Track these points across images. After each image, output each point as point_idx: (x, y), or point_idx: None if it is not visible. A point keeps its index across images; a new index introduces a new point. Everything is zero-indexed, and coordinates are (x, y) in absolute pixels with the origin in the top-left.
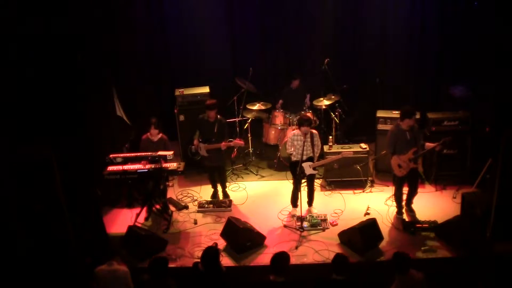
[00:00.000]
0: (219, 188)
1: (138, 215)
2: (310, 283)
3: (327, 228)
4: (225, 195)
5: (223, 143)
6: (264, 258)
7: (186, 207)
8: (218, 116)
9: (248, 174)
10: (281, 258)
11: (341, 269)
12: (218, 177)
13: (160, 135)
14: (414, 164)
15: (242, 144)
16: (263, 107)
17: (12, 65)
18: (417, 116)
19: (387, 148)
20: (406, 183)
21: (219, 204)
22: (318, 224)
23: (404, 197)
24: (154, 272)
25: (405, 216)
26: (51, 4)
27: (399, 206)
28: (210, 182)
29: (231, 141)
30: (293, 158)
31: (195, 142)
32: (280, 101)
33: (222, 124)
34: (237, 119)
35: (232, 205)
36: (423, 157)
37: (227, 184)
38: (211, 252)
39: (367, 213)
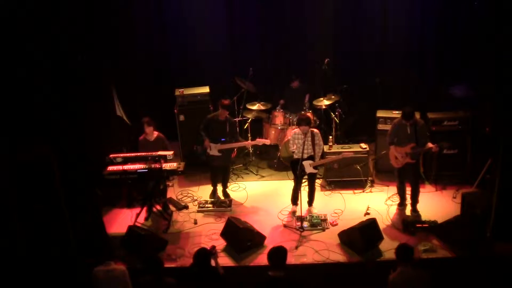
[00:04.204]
0: (219, 188)
1: (138, 215)
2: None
3: (327, 228)
4: (226, 195)
5: (248, 141)
6: (264, 258)
7: (186, 207)
8: (227, 115)
9: (248, 174)
10: (277, 252)
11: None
12: (222, 176)
13: (157, 134)
14: (411, 159)
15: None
16: (263, 107)
17: (12, 65)
18: (417, 116)
19: (387, 137)
20: (407, 181)
21: (219, 204)
22: (318, 224)
23: (409, 198)
24: (148, 268)
25: (407, 211)
26: (51, 5)
27: (401, 198)
28: (212, 181)
29: (253, 139)
30: (295, 156)
31: (206, 142)
32: (282, 101)
33: (232, 123)
34: (237, 119)
35: (232, 205)
36: (423, 157)
37: (227, 184)
38: (202, 254)
39: (367, 213)
